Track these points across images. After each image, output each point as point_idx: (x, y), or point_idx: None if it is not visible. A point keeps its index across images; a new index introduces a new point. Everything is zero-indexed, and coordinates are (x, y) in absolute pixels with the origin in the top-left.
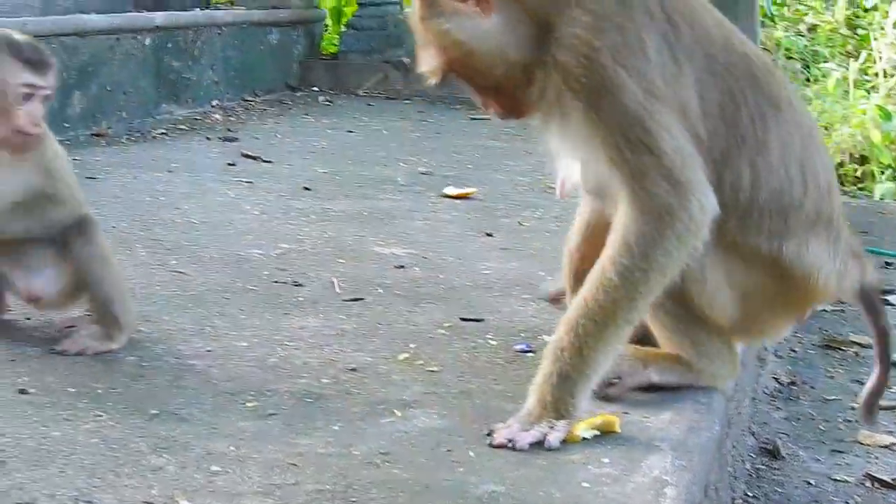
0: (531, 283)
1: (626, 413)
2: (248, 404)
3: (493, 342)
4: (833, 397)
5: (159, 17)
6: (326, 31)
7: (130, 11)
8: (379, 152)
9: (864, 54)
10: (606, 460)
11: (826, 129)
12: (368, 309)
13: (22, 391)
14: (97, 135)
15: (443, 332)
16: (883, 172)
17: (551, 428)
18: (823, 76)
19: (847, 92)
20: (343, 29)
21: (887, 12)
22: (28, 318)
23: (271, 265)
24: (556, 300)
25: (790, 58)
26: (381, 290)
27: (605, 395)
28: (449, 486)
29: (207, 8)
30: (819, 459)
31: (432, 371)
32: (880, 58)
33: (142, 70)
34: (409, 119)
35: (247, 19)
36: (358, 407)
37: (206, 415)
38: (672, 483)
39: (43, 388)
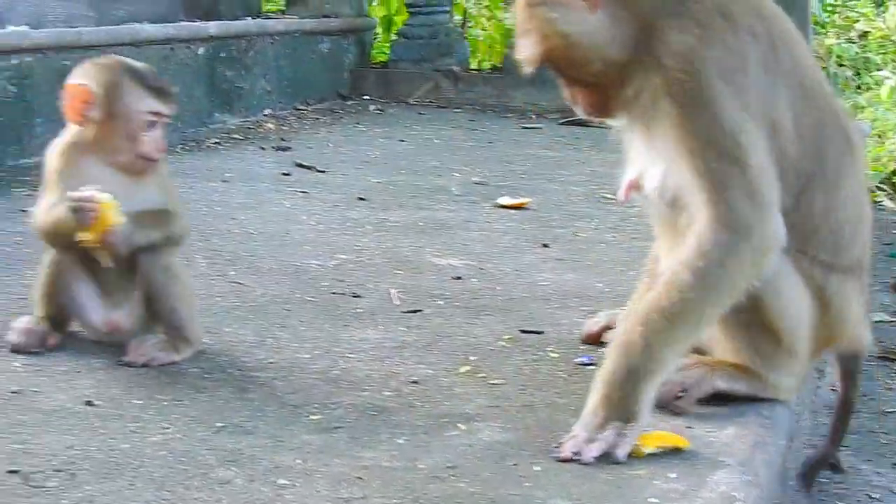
0: (589, 295)
1: (690, 427)
2: (313, 417)
3: (554, 355)
4: (892, 409)
5: (213, 27)
6: (377, 39)
7: (182, 20)
8: (432, 162)
9: None
10: (673, 475)
11: (879, 136)
12: (427, 321)
13: (88, 402)
14: None
15: (503, 344)
16: None
17: (618, 436)
18: (876, 84)
19: None
20: (393, 37)
21: None
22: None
23: (329, 276)
24: (595, 338)
25: (841, 65)
26: (439, 302)
27: (672, 407)
28: (516, 501)
29: (259, 17)
30: (880, 473)
31: (494, 384)
32: None
33: (196, 79)
34: (461, 128)
35: (298, 28)
36: (422, 420)
37: (271, 427)
38: (740, 499)
39: (109, 400)
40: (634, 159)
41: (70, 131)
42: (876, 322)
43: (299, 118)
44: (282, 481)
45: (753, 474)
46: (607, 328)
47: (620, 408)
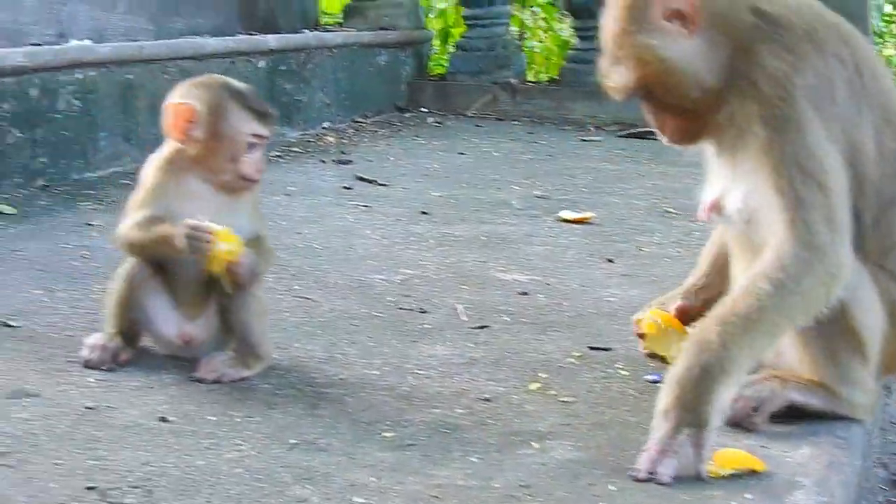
0: None
1: (765, 447)
2: (385, 434)
3: (624, 372)
4: None
5: (273, 40)
6: (434, 51)
7: (241, 33)
8: (492, 175)
9: None
10: (749, 496)
11: None
12: (495, 337)
13: (162, 419)
14: None
15: (572, 361)
16: None
17: (693, 447)
18: None
19: None
20: (451, 50)
21: None
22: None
23: (395, 291)
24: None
25: None
26: (506, 318)
27: (746, 424)
28: None
29: (317, 29)
30: None
31: (565, 401)
32: None
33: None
34: (519, 141)
35: (356, 41)
36: (494, 438)
37: (344, 445)
38: None
39: (182, 416)
40: (715, 180)
41: (168, 147)
42: None
43: (358, 131)
44: (357, 499)
45: (829, 495)
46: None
47: (693, 410)
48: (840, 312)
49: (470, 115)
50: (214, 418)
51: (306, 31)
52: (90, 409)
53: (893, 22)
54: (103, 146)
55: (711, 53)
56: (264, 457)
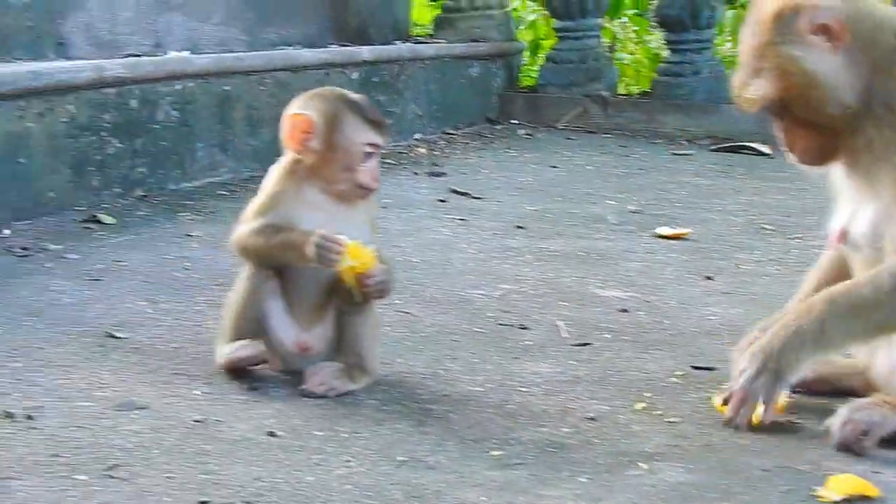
0: None
1: (878, 472)
2: (493, 453)
3: None
4: None
5: (366, 52)
6: (523, 63)
7: (333, 44)
8: (585, 189)
9: None
10: None
11: None
12: (597, 354)
13: (271, 433)
14: None
15: (675, 380)
16: None
17: (765, 393)
18: None
19: None
20: (541, 61)
21: None
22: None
23: (494, 307)
24: None
25: None
26: (607, 335)
27: (856, 448)
28: None
29: (409, 40)
30: None
31: (672, 422)
32: None
33: None
34: (611, 154)
35: (449, 53)
36: (602, 458)
37: (452, 463)
38: None
39: (290, 430)
40: (844, 205)
41: (287, 158)
42: None
43: (449, 142)
44: None
45: None
46: None
47: (777, 362)
48: None
49: (560, 127)
50: (321, 433)
51: (398, 42)
52: (198, 422)
53: None
54: (200, 157)
55: (853, 71)
56: (373, 473)
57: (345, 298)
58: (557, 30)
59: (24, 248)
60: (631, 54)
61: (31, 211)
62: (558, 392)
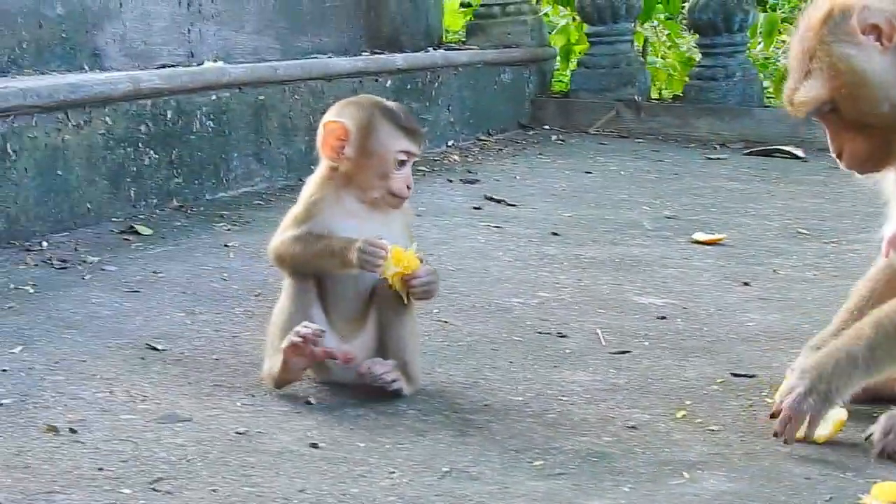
0: (796, 336)
1: None
2: (535, 463)
3: (770, 400)
4: None
5: (400, 59)
6: (555, 68)
7: (365, 52)
8: (620, 195)
9: None
10: None
11: None
12: (637, 362)
13: (313, 445)
14: None
15: (716, 388)
16: None
17: (813, 414)
18: None
19: None
20: (573, 67)
21: None
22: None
23: (533, 315)
24: None
25: None
26: (646, 343)
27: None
28: None
29: (441, 47)
30: None
31: (713, 430)
32: None
33: None
34: (645, 159)
35: (481, 59)
36: (644, 467)
37: (495, 473)
38: None
39: (332, 442)
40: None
41: (324, 166)
42: None
43: (482, 149)
44: None
45: None
46: None
47: (826, 384)
48: None
49: (593, 132)
50: (364, 444)
51: (431, 49)
52: (241, 434)
53: None
54: (235, 166)
55: None
56: (417, 485)
57: (390, 304)
58: (589, 35)
59: (63, 261)
60: (663, 58)
61: (69, 223)
62: (598, 401)
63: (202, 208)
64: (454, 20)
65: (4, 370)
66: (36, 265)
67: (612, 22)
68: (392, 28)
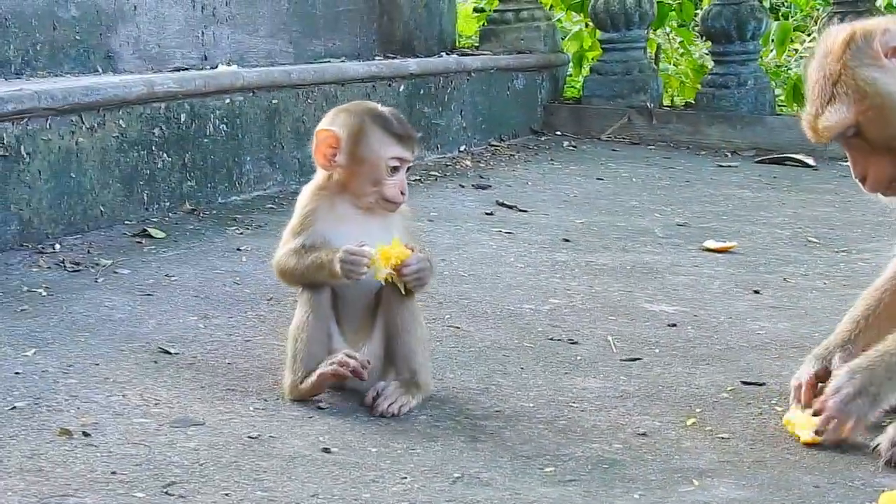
0: (806, 345)
1: None
2: (546, 469)
3: (780, 408)
4: None
5: (413, 64)
6: (567, 74)
7: (378, 56)
8: (631, 202)
9: None
10: None
11: None
12: (647, 370)
13: (325, 450)
14: None
15: (726, 395)
16: None
17: (858, 418)
18: None
19: None
20: (585, 73)
21: None
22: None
23: (544, 321)
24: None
25: None
26: (657, 350)
27: None
28: None
29: (454, 52)
30: None
31: (723, 438)
32: None
33: None
34: (656, 166)
35: (494, 65)
36: (654, 475)
37: (506, 479)
38: None
39: (344, 447)
40: None
41: (319, 175)
42: None
43: (494, 154)
44: None
45: None
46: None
47: (877, 386)
48: None
49: (605, 139)
50: (375, 450)
51: (444, 54)
52: (253, 438)
53: None
54: (248, 170)
55: None
56: (429, 490)
57: (397, 312)
58: (602, 41)
59: (76, 263)
60: (675, 65)
61: (82, 225)
62: (609, 407)
63: (215, 212)
64: (467, 25)
65: (17, 373)
66: (49, 268)
67: (625, 29)
68: (405, 32)
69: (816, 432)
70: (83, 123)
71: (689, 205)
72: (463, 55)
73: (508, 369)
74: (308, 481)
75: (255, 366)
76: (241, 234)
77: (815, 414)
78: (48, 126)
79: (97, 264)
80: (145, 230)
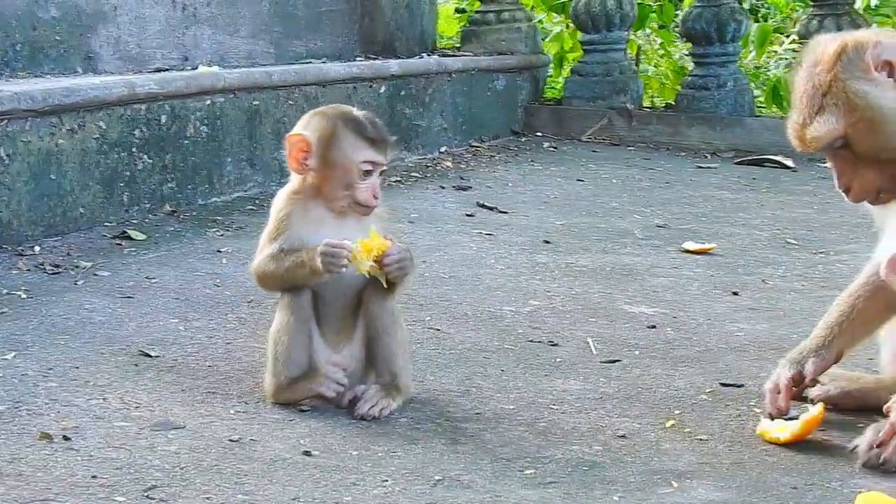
0: (784, 347)
1: None
2: (527, 472)
3: (758, 410)
4: None
5: (395, 66)
6: (548, 75)
7: (359, 57)
8: (611, 203)
9: None
10: None
11: None
12: (626, 371)
13: (306, 453)
14: None
15: (705, 397)
16: None
17: None
18: None
19: None
20: (567, 74)
21: None
22: None
23: (524, 323)
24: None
25: None
26: (636, 352)
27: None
28: None
29: (435, 53)
30: None
31: (701, 440)
32: None
33: (377, 117)
34: (636, 167)
35: (475, 66)
36: (633, 476)
37: (487, 482)
38: None
39: (325, 450)
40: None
41: (294, 179)
42: None
43: (475, 155)
44: None
45: None
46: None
47: None
48: None
49: (585, 140)
50: (356, 452)
51: (425, 55)
52: (234, 441)
53: None
54: (228, 171)
55: None
56: (409, 493)
57: (377, 315)
58: (583, 42)
59: (56, 266)
60: (656, 67)
61: (62, 227)
62: (589, 409)
63: (195, 213)
64: (449, 26)
65: None
66: (28, 270)
67: (605, 30)
68: (386, 33)
69: (885, 463)
70: (63, 125)
71: (668, 206)
72: (444, 56)
73: (489, 371)
74: (289, 484)
75: (236, 368)
76: (222, 235)
77: (881, 445)
78: (28, 127)
79: (77, 266)
80: (125, 232)
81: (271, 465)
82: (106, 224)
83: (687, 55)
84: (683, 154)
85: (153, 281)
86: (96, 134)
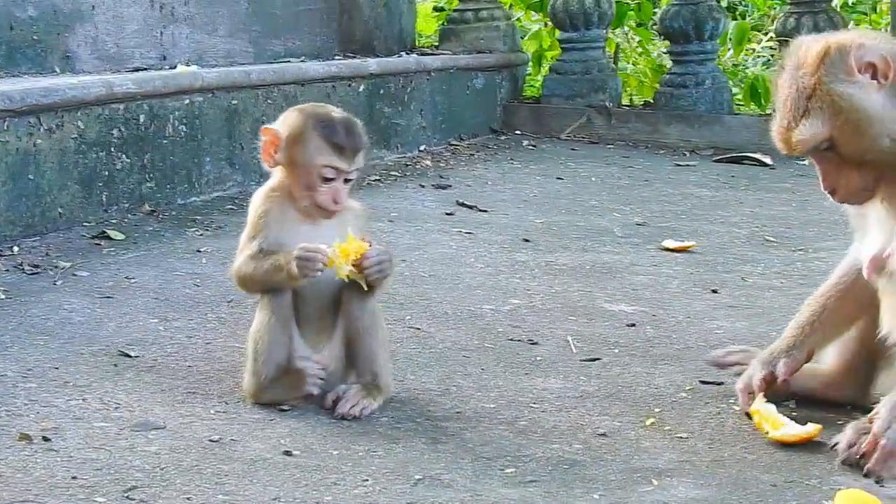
0: (763, 344)
1: (884, 487)
2: (507, 470)
3: (738, 407)
4: None
5: (373, 64)
6: (527, 73)
7: (338, 56)
8: (591, 201)
9: None
10: None
11: None
12: (606, 370)
13: (287, 452)
14: None
15: (685, 395)
16: None
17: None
18: None
19: None
20: (546, 72)
21: None
22: None
23: (504, 322)
24: (721, 364)
25: None
26: (616, 350)
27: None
28: None
29: (413, 51)
30: None
31: (681, 438)
32: None
33: (355, 116)
34: (615, 165)
35: (454, 64)
36: (614, 475)
37: (468, 481)
38: None
39: (305, 449)
40: (878, 235)
41: (273, 177)
42: None
43: (454, 154)
44: None
45: None
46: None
47: None
48: None
49: (564, 138)
50: (337, 452)
51: (404, 53)
52: (215, 441)
53: None
54: (207, 171)
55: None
56: (390, 492)
57: (356, 315)
58: (561, 41)
59: (34, 266)
60: (634, 65)
61: (41, 228)
62: (569, 408)
63: (174, 213)
64: (427, 25)
65: None
66: (7, 270)
67: (584, 28)
68: (365, 32)
69: (868, 474)
70: (41, 125)
71: (647, 204)
72: (423, 55)
73: (469, 370)
74: (269, 484)
75: (216, 368)
76: (201, 235)
77: (863, 456)
78: (5, 128)
79: (56, 267)
80: (104, 232)
81: (252, 465)
82: (85, 224)
83: (665, 53)
84: (662, 152)
85: (132, 281)
86: (74, 134)
